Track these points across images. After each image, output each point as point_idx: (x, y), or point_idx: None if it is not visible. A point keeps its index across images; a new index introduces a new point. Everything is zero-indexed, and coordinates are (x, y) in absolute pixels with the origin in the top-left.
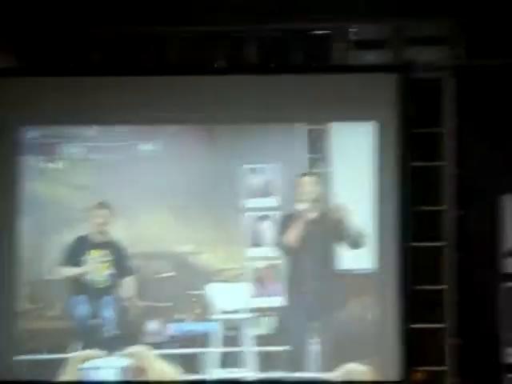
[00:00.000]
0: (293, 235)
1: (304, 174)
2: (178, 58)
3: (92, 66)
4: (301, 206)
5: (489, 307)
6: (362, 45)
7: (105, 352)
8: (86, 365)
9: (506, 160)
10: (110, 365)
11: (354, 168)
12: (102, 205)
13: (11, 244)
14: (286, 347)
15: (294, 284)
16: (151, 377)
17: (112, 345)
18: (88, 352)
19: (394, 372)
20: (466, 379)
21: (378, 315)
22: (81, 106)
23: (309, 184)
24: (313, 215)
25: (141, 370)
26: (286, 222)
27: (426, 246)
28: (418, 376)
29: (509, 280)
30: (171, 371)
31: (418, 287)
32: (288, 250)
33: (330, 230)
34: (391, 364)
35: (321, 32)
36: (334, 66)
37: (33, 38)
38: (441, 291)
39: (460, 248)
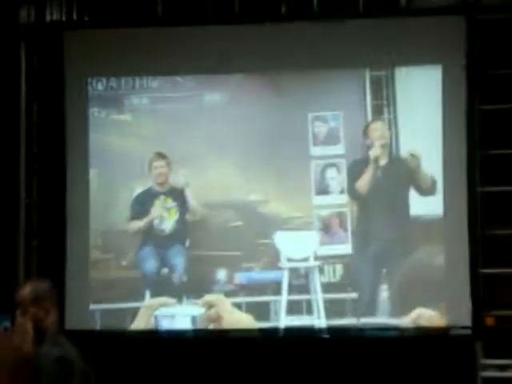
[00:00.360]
0: (364, 182)
1: (373, 120)
2: (242, 7)
3: (156, 17)
4: (372, 153)
5: None
6: None
7: (176, 300)
8: (160, 312)
9: None
10: (184, 312)
11: (421, 113)
12: (160, 155)
13: (83, 195)
14: (355, 294)
15: (363, 230)
16: (227, 324)
17: (182, 293)
18: (160, 300)
19: (465, 317)
20: None
21: (448, 260)
22: (146, 58)
23: (379, 130)
24: (383, 161)
25: (216, 317)
26: (356, 168)
27: (497, 190)
28: (491, 321)
29: None
30: (247, 319)
31: (490, 232)
32: (358, 197)
33: (400, 176)
34: (463, 309)
35: None
36: (399, 9)
37: None
38: None
39: None
